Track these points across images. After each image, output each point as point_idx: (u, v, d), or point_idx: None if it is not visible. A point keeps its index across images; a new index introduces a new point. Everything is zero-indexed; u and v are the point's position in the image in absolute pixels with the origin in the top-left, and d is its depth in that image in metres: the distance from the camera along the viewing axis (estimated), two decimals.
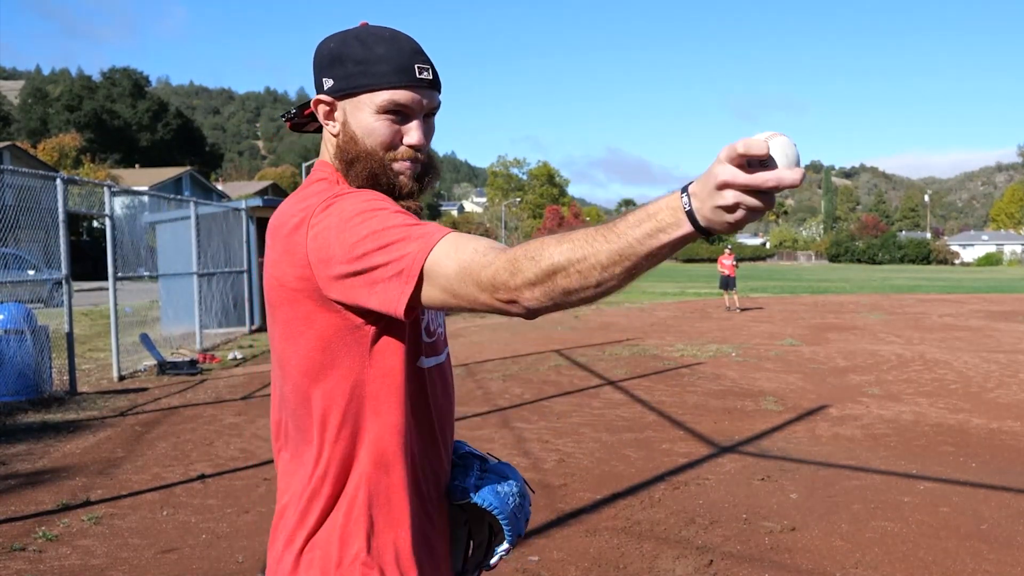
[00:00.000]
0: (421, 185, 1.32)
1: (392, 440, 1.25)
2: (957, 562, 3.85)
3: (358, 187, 1.28)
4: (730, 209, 0.90)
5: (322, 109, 1.30)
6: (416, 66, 1.26)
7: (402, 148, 1.28)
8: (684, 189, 0.93)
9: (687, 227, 0.92)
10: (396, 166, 1.28)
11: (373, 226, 1.11)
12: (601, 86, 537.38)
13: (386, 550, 1.25)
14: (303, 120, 1.42)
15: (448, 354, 1.41)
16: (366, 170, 1.27)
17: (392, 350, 1.23)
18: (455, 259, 1.05)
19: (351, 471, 1.24)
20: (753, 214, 0.90)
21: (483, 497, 1.37)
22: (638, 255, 0.95)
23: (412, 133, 1.28)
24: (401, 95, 1.25)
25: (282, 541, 1.27)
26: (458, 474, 1.41)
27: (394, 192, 1.29)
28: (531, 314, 1.05)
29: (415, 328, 1.27)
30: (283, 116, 1.37)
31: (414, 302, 1.09)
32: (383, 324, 1.20)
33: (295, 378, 1.25)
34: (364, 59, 1.24)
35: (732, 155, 0.88)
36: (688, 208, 0.92)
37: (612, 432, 6.52)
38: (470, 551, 1.43)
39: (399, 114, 1.27)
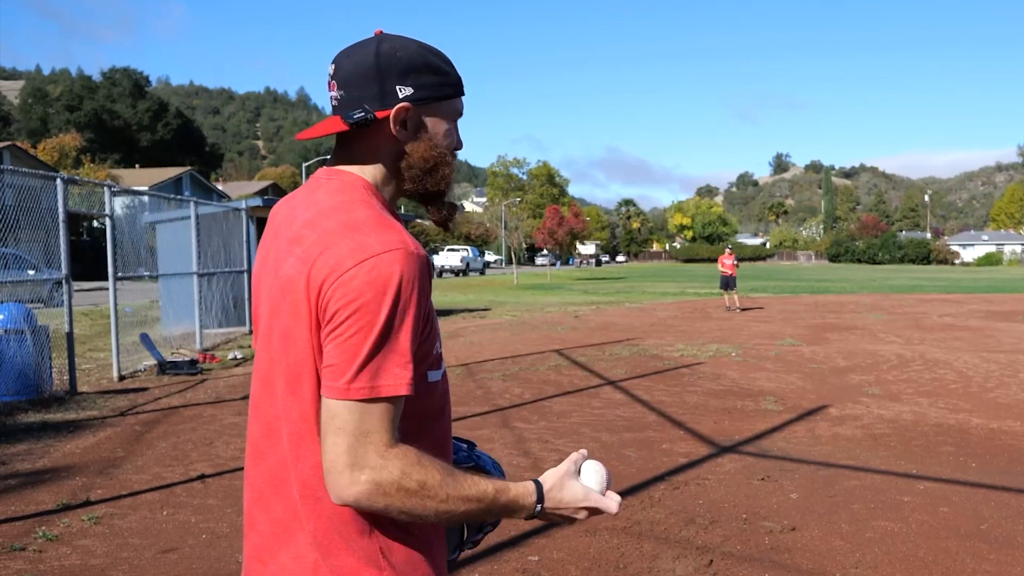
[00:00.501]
0: None
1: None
2: (957, 562, 3.85)
3: (432, 191, 1.34)
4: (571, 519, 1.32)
5: (400, 119, 1.29)
6: (461, 80, 1.37)
7: (455, 151, 1.38)
8: (538, 492, 1.26)
9: (530, 512, 1.27)
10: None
11: (388, 343, 1.16)
12: (601, 86, 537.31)
13: (404, 562, 1.24)
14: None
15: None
16: (449, 175, 1.34)
17: None
18: (377, 420, 1.15)
19: None
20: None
21: (486, 460, 1.45)
22: (488, 513, 1.25)
23: (460, 137, 1.39)
24: (463, 103, 1.37)
25: (288, 552, 1.24)
26: (457, 449, 1.46)
27: (447, 193, 1.37)
28: (356, 502, 1.15)
29: (430, 343, 1.27)
30: (358, 121, 1.26)
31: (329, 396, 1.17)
32: None
33: (287, 369, 1.22)
34: (440, 69, 1.31)
35: (596, 507, 1.30)
36: (540, 510, 1.27)
37: (612, 432, 6.52)
38: (465, 531, 1.45)
39: (456, 120, 1.37)
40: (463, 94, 1.35)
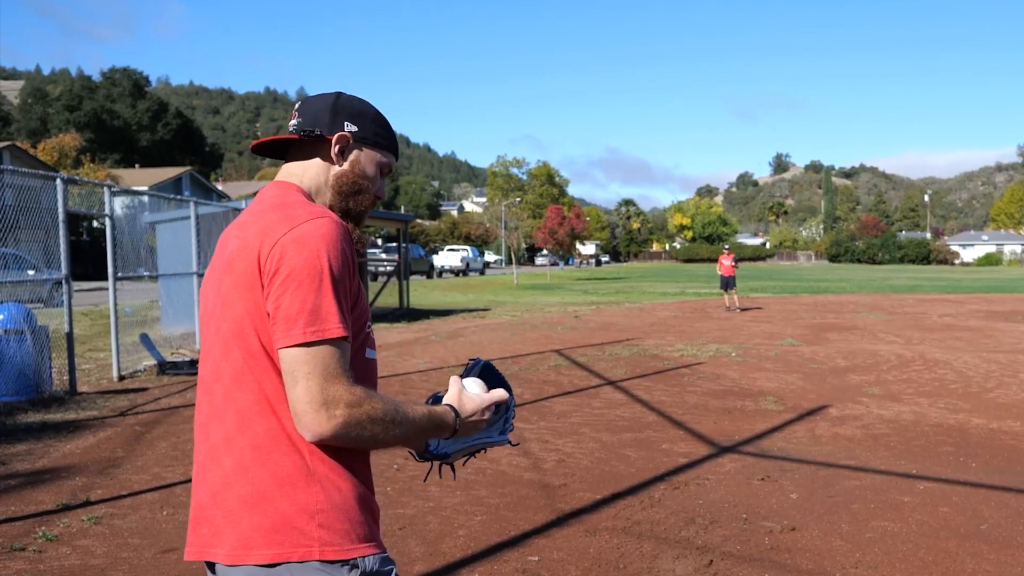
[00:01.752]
0: None
1: None
2: (957, 562, 3.85)
3: (352, 210, 1.60)
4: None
5: (342, 144, 1.57)
6: (398, 147, 1.69)
7: (378, 196, 1.66)
8: (455, 411, 1.53)
9: (452, 427, 1.53)
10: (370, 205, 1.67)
11: (327, 291, 1.37)
12: (601, 86, 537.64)
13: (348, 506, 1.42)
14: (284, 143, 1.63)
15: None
16: (367, 201, 1.62)
17: None
18: (336, 361, 1.35)
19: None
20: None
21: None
22: (427, 433, 1.50)
23: (384, 188, 1.69)
24: (392, 163, 1.67)
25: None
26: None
27: (362, 219, 1.64)
28: (333, 434, 1.34)
29: (361, 319, 1.50)
30: (305, 133, 1.55)
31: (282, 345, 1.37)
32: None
33: (245, 333, 1.42)
34: (384, 127, 1.63)
35: (489, 405, 1.61)
36: (455, 429, 1.54)
37: (612, 432, 6.52)
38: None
39: (384, 174, 1.66)
40: (396, 157, 1.66)
